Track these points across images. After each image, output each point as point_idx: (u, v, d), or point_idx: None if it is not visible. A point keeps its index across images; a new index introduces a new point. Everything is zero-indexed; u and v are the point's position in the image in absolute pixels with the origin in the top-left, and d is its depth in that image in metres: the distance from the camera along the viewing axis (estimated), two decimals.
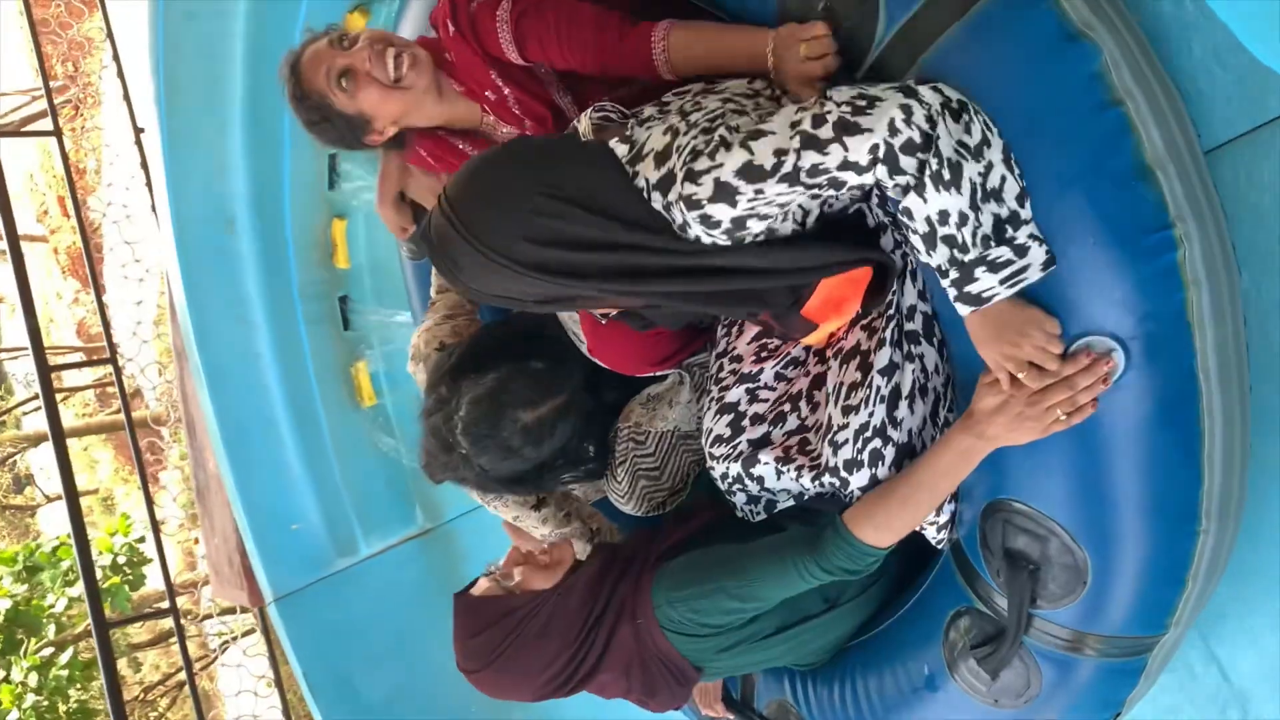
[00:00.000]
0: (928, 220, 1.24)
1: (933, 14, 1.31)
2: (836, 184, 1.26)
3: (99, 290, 4.81)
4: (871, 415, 1.46)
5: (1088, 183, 1.23)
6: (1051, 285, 1.25)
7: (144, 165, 4.88)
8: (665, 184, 1.33)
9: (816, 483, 1.56)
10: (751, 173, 1.26)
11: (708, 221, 1.31)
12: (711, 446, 1.68)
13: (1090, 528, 1.34)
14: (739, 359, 1.74)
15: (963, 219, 1.23)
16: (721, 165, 1.27)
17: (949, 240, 1.24)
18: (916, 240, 1.28)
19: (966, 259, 1.25)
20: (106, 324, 4.79)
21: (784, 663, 1.81)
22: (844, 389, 1.51)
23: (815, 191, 1.27)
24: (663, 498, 2.03)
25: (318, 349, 3.26)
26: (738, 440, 1.66)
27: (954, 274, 1.26)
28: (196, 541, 11.77)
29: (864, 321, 1.55)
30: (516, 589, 1.70)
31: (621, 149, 1.41)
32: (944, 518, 1.54)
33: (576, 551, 2.04)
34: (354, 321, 3.28)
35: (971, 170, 1.22)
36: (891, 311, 1.48)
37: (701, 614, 1.61)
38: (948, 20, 1.30)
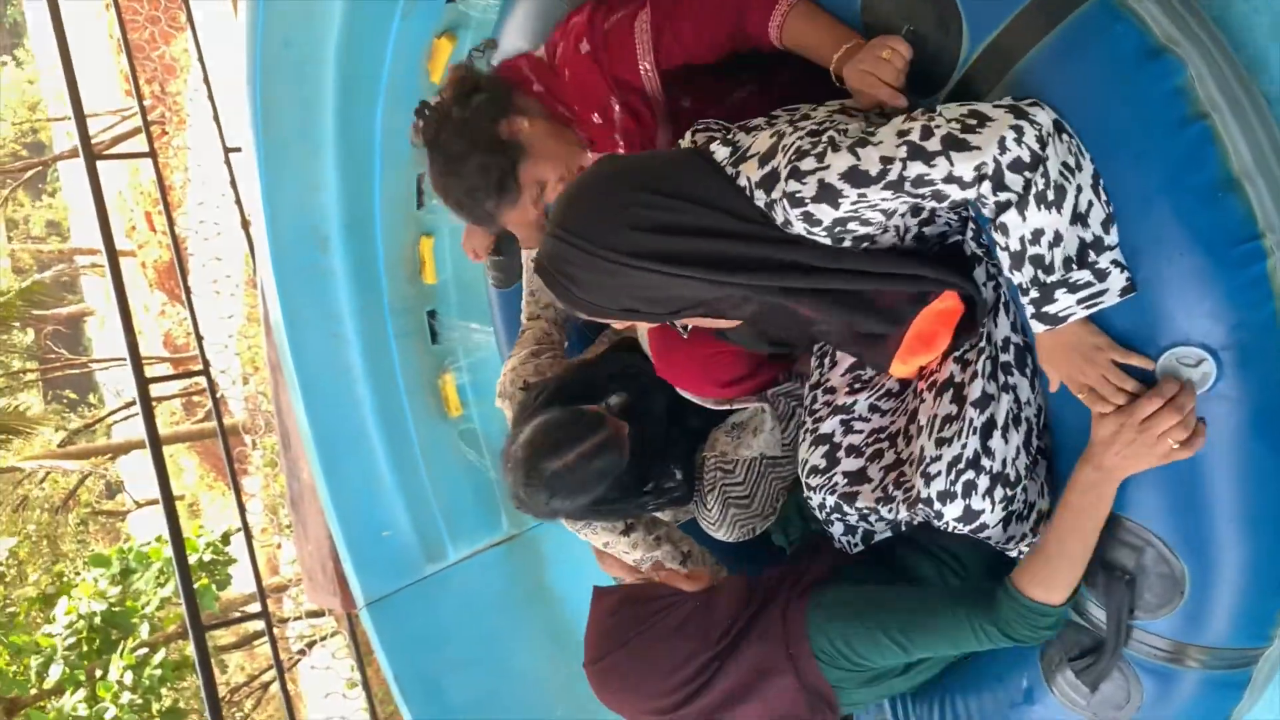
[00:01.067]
0: (1021, 239, 1.27)
1: (1016, 33, 1.34)
2: (939, 196, 1.29)
3: (191, 304, 5.00)
4: (965, 447, 1.48)
5: (1173, 196, 1.26)
6: (1143, 298, 1.28)
7: (233, 184, 5.07)
8: (769, 181, 1.38)
9: (910, 513, 1.58)
10: (857, 177, 1.29)
11: (810, 219, 1.36)
12: (808, 477, 1.71)
13: (1187, 538, 1.35)
14: (833, 390, 1.77)
15: (1056, 239, 1.25)
16: (828, 167, 1.31)
17: (1036, 260, 1.27)
18: (1003, 256, 1.31)
19: (1049, 280, 1.28)
20: (199, 336, 4.97)
21: (905, 689, 1.81)
22: (938, 421, 1.53)
23: (919, 202, 1.31)
24: (753, 523, 2.07)
25: (406, 362, 3.36)
26: (833, 472, 1.69)
27: (1034, 293, 1.29)
28: (279, 547, 12.07)
29: (956, 354, 1.57)
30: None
31: (723, 151, 1.47)
32: (1037, 539, 1.55)
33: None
34: (441, 335, 3.38)
35: (1072, 191, 1.24)
36: (984, 344, 1.50)
37: (861, 654, 1.60)
38: (1032, 39, 1.32)
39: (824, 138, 1.34)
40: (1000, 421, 1.48)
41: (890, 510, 1.63)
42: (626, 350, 2.20)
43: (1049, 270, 1.27)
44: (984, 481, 1.47)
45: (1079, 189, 1.25)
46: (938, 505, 1.50)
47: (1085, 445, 1.38)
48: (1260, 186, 1.26)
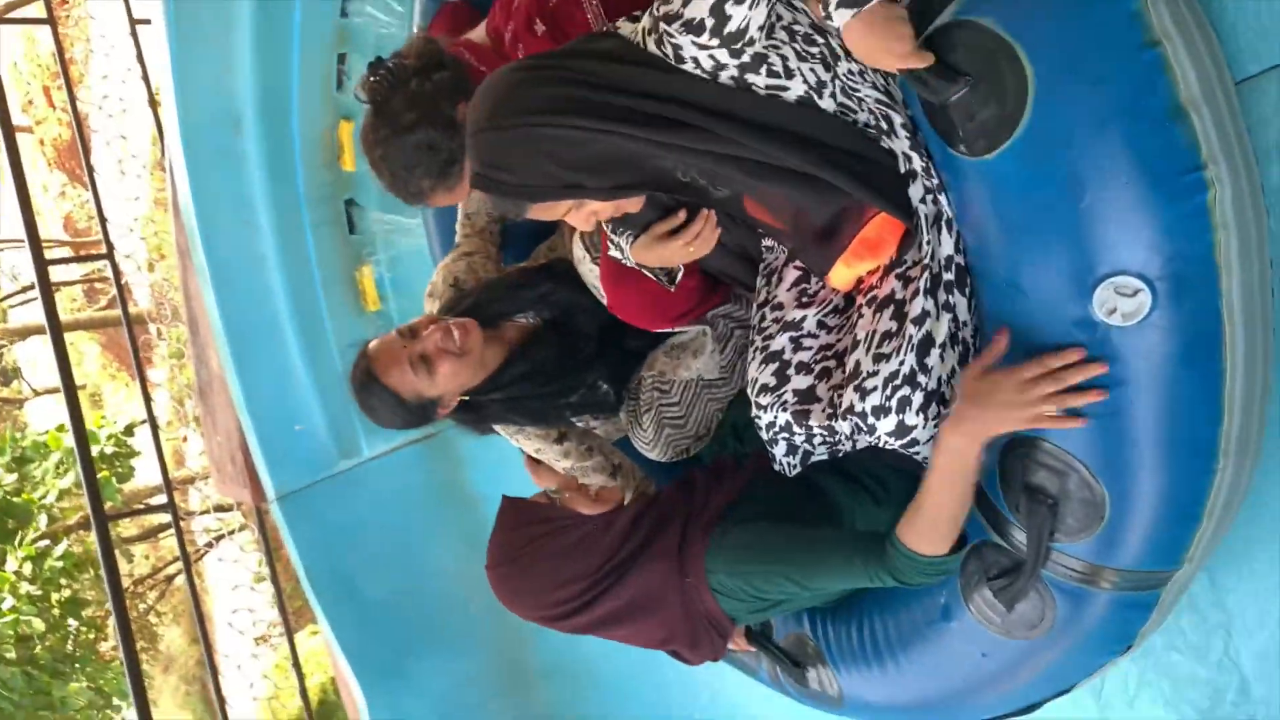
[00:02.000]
0: None
1: None
2: None
3: (95, 185, 4.75)
4: (902, 363, 1.47)
5: (1124, 121, 1.24)
6: (1083, 223, 1.27)
7: (140, 58, 4.80)
8: (649, 24, 1.40)
9: (846, 426, 1.58)
10: None
11: (691, 26, 1.33)
12: (758, 395, 1.69)
13: (1109, 464, 1.36)
14: (780, 306, 1.75)
15: None
16: None
17: None
18: None
19: None
20: (104, 219, 4.74)
21: (807, 606, 1.87)
22: (876, 336, 1.52)
23: None
24: (687, 444, 2.07)
25: (322, 252, 3.26)
26: (783, 390, 1.67)
27: None
28: (185, 440, 11.84)
29: (899, 270, 1.56)
30: (561, 503, 1.75)
31: (627, 26, 1.47)
32: None
33: (598, 483, 2.10)
34: (360, 226, 3.27)
35: None
36: (928, 261, 1.48)
37: (759, 590, 1.66)
38: None
39: None
40: (939, 339, 1.47)
41: (829, 445, 1.66)
42: (558, 274, 2.16)
43: None
44: (918, 398, 1.48)
45: None
46: (871, 420, 1.50)
47: (1012, 366, 1.38)
48: (1206, 117, 1.24)
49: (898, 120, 1.46)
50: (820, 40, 1.44)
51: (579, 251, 2.07)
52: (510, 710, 3.45)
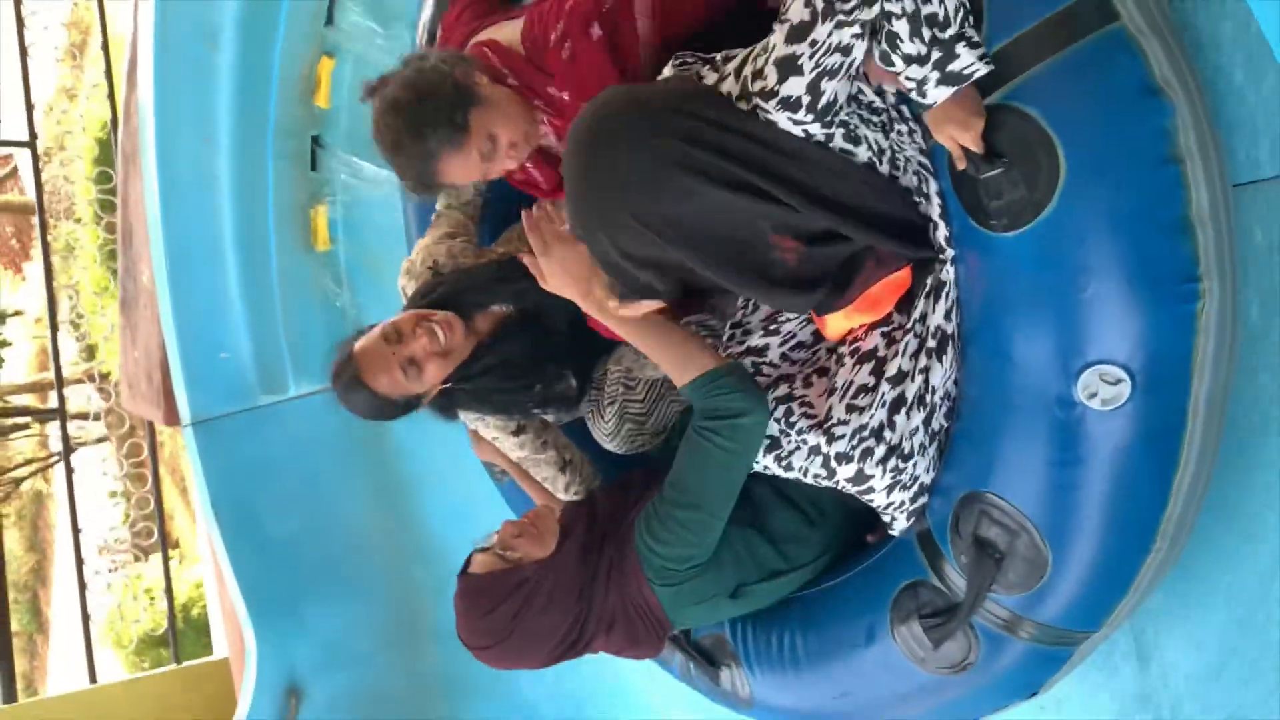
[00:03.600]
0: None
1: (1030, 43, 1.38)
2: None
3: (26, 69, 4.52)
4: (872, 418, 1.57)
5: (1137, 226, 1.35)
6: (1082, 311, 1.38)
7: None
8: (743, 91, 1.44)
9: (803, 463, 1.66)
10: (798, 31, 1.35)
11: (788, 104, 1.40)
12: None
13: (1060, 531, 1.47)
14: (749, 331, 1.82)
15: None
16: (774, 47, 1.38)
17: (931, 20, 1.33)
18: (903, 36, 1.34)
19: (948, 35, 1.34)
20: (29, 106, 4.52)
21: (737, 614, 1.92)
22: (853, 388, 1.62)
23: (856, 23, 1.34)
24: (644, 440, 2.12)
25: (280, 184, 3.20)
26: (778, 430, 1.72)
27: (936, 54, 1.35)
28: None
29: (885, 329, 1.65)
30: (521, 560, 1.75)
31: (711, 75, 1.50)
32: (914, 507, 1.67)
33: (546, 475, 2.17)
34: (322, 164, 3.23)
35: None
36: (916, 326, 1.57)
37: (669, 544, 1.70)
38: (1043, 54, 1.37)
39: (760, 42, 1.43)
40: (909, 399, 1.57)
41: (776, 457, 1.72)
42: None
43: (945, 25, 1.33)
44: (881, 450, 1.57)
45: None
46: (834, 464, 1.60)
47: (994, 441, 1.51)
48: (1209, 233, 1.36)
49: (933, 187, 1.55)
50: (881, 107, 1.53)
51: None
52: (400, 664, 3.46)
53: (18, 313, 9.74)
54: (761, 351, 1.80)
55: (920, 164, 1.55)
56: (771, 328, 1.82)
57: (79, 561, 4.31)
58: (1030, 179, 1.38)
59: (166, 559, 4.50)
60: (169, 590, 4.47)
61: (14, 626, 12.86)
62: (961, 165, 1.44)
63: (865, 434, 1.58)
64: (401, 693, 3.47)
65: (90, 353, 9.34)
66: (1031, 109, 1.37)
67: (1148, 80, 1.34)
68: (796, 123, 1.43)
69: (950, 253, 1.54)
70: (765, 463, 1.85)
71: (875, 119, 1.54)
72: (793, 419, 1.69)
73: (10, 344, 8.30)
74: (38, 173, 4.46)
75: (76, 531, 4.25)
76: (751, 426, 1.64)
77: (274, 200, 3.20)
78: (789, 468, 1.75)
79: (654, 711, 2.81)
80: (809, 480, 1.71)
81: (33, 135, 4.39)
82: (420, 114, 1.78)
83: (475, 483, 2.66)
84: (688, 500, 1.67)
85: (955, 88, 1.37)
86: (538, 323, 2.07)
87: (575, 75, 1.81)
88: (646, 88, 1.56)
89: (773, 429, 1.69)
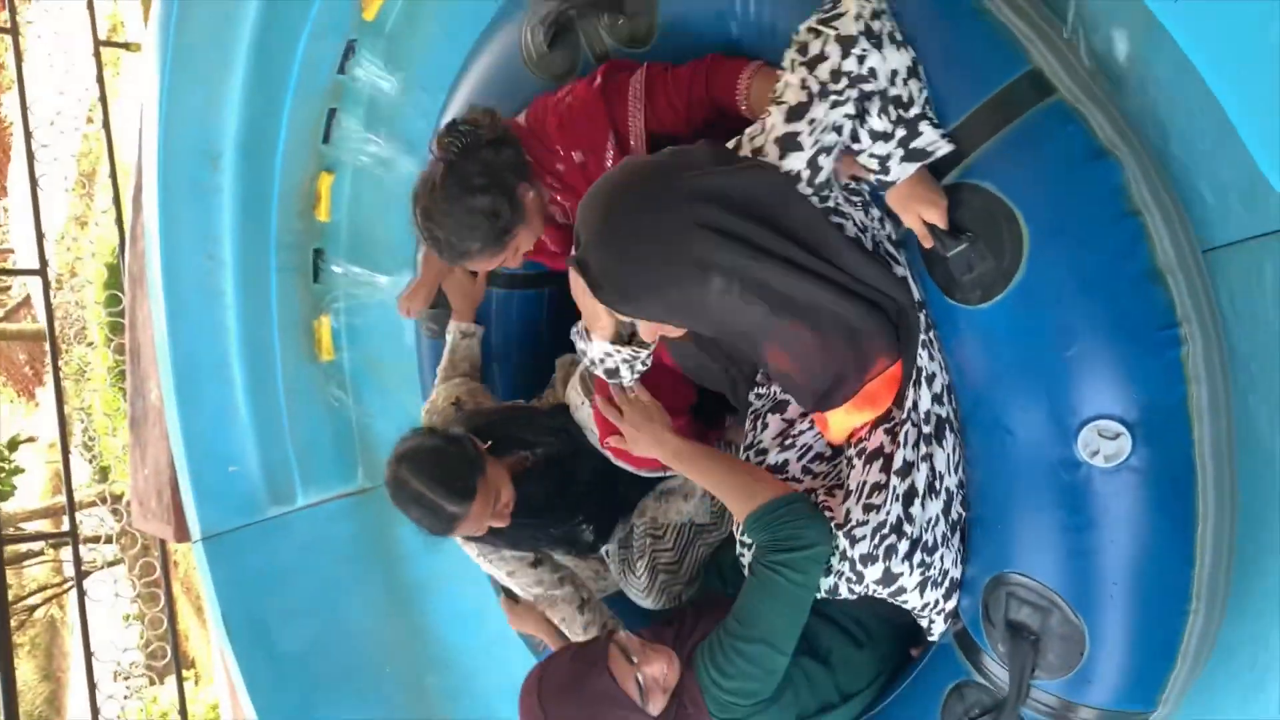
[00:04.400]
0: (889, 75, 1.40)
1: (975, 126, 1.44)
2: (856, 79, 1.40)
3: (36, 198, 4.64)
4: (889, 513, 1.57)
5: (1107, 281, 1.38)
6: (1069, 371, 1.40)
7: (100, 78, 4.76)
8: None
9: (834, 577, 1.65)
10: (796, 111, 1.42)
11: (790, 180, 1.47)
12: (744, 536, 1.72)
13: (1089, 601, 1.45)
14: (764, 451, 1.84)
15: (910, 73, 1.41)
16: (773, 127, 1.46)
17: (898, 100, 1.40)
18: (873, 113, 1.41)
19: (912, 114, 1.41)
20: (40, 235, 4.62)
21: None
22: (867, 487, 1.63)
23: (848, 102, 1.41)
24: (680, 589, 2.13)
25: (284, 297, 3.25)
26: None
27: (901, 132, 1.41)
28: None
29: (886, 425, 1.66)
30: (647, 706, 1.69)
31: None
32: (949, 605, 1.66)
33: (564, 615, 2.15)
34: (324, 276, 3.28)
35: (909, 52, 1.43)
36: (911, 414, 1.59)
37: (735, 679, 1.65)
38: (989, 132, 1.43)
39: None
40: (920, 489, 1.57)
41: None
42: (566, 411, 2.25)
43: (909, 105, 1.40)
44: (904, 546, 1.56)
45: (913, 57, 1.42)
46: (860, 567, 1.59)
47: (1008, 518, 1.51)
48: (1180, 280, 1.39)
49: (899, 273, 1.59)
50: (858, 189, 1.59)
51: (575, 398, 2.15)
52: None
53: (31, 439, 9.79)
54: (782, 468, 1.81)
55: (888, 250, 1.59)
56: (787, 443, 1.83)
57: (91, 687, 4.26)
58: (996, 249, 1.42)
59: (180, 678, 4.44)
60: (183, 711, 4.40)
61: None
62: (928, 244, 1.48)
63: (885, 530, 1.57)
64: None
65: (103, 475, 9.36)
66: (987, 183, 1.43)
67: (1093, 143, 1.39)
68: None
69: (932, 333, 1.57)
70: None
71: (856, 199, 1.59)
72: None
73: (23, 470, 8.31)
74: (48, 300, 4.54)
75: (89, 655, 4.21)
76: (819, 557, 1.62)
77: (278, 313, 3.24)
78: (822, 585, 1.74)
79: None
80: (843, 593, 1.69)
81: (43, 263, 4.48)
82: (475, 221, 1.89)
83: (485, 587, 2.65)
84: (755, 635, 1.64)
85: (918, 164, 1.42)
86: (562, 469, 2.13)
87: (571, 120, 1.88)
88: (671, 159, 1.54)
89: None
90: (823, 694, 1.78)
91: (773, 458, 1.81)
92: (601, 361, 1.81)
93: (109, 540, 7.07)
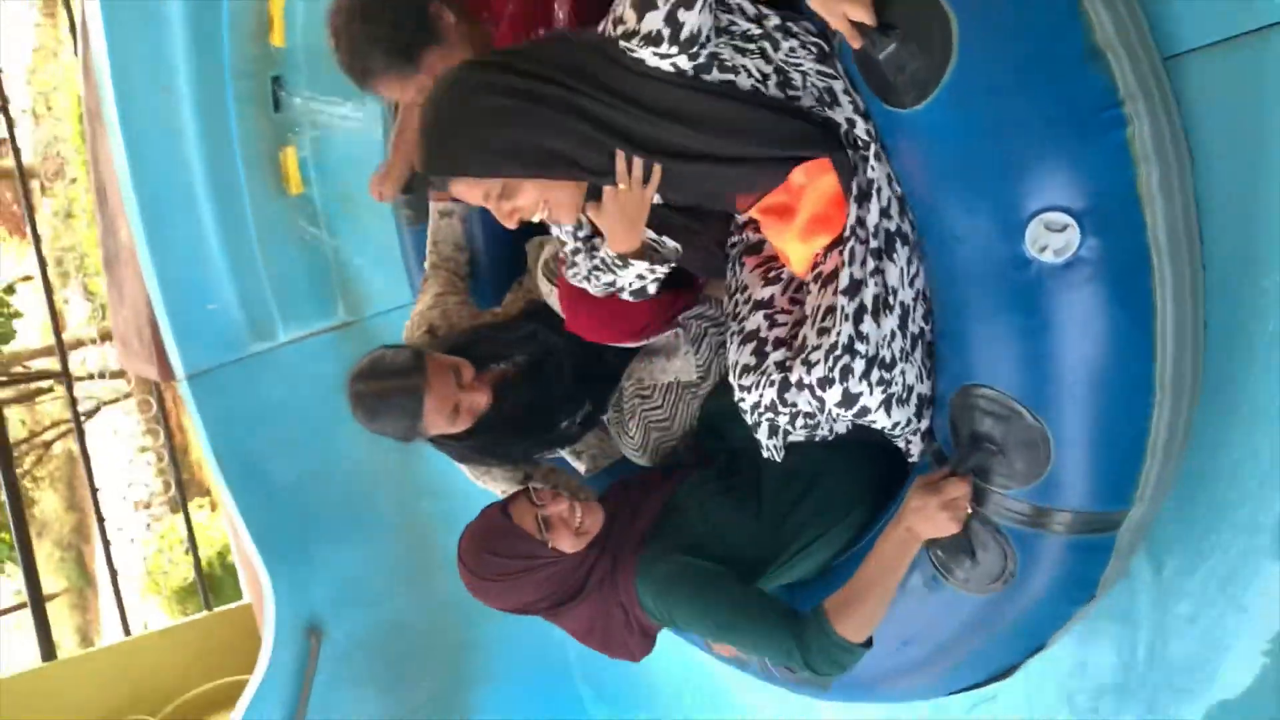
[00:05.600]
0: None
1: None
2: None
3: None
4: (839, 334, 1.52)
5: (1042, 65, 1.29)
6: (1010, 164, 1.32)
7: None
8: (610, 39, 1.47)
9: (802, 399, 1.61)
10: None
11: (650, 39, 1.42)
12: (740, 378, 1.69)
13: (1050, 403, 1.40)
14: (747, 287, 1.78)
15: None
16: None
17: None
18: None
19: None
20: None
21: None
22: (821, 311, 1.58)
23: None
24: (673, 444, 2.11)
25: (245, 128, 3.15)
26: (764, 366, 1.67)
27: None
28: (67, 302, 11.39)
29: (840, 247, 1.59)
30: (549, 541, 1.77)
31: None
32: (923, 424, 1.63)
33: None
34: (285, 104, 3.17)
35: None
36: (859, 232, 1.53)
37: (680, 624, 1.78)
38: None
39: None
40: (869, 306, 1.53)
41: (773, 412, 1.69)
42: (536, 313, 2.19)
43: None
44: (860, 365, 1.52)
45: None
46: (820, 392, 1.55)
47: (966, 329, 1.45)
48: (1122, 57, 1.29)
49: (839, 88, 1.52)
50: (756, 34, 1.51)
51: (544, 286, 2.10)
52: (416, 596, 3.52)
53: (27, 278, 9.79)
54: (769, 302, 1.74)
55: (820, 73, 1.52)
56: (770, 276, 1.77)
57: (100, 520, 4.39)
58: (926, 44, 1.33)
59: (187, 510, 4.57)
60: (192, 541, 4.55)
61: (64, 584, 13.23)
62: (857, 44, 1.40)
63: (839, 352, 1.52)
64: (420, 623, 3.54)
65: (103, 311, 9.40)
66: None
67: None
68: (663, 57, 1.45)
69: (873, 146, 1.50)
70: (797, 433, 1.79)
71: (751, 46, 1.52)
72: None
73: (22, 314, 8.34)
74: (13, 137, 4.43)
75: (94, 491, 4.31)
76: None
77: (240, 145, 3.15)
78: (817, 425, 1.75)
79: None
80: (802, 428, 1.69)
81: (4, 100, 4.34)
82: (379, 33, 1.78)
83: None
84: (728, 639, 1.76)
85: None
86: (543, 374, 2.09)
87: None
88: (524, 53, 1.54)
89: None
90: (788, 541, 1.83)
91: (758, 293, 1.77)
92: (632, 285, 1.79)
93: (102, 376, 7.14)
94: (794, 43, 1.51)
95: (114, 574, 4.33)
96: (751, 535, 1.82)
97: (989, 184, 1.35)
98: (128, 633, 4.45)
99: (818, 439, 1.82)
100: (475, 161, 1.50)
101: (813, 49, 1.52)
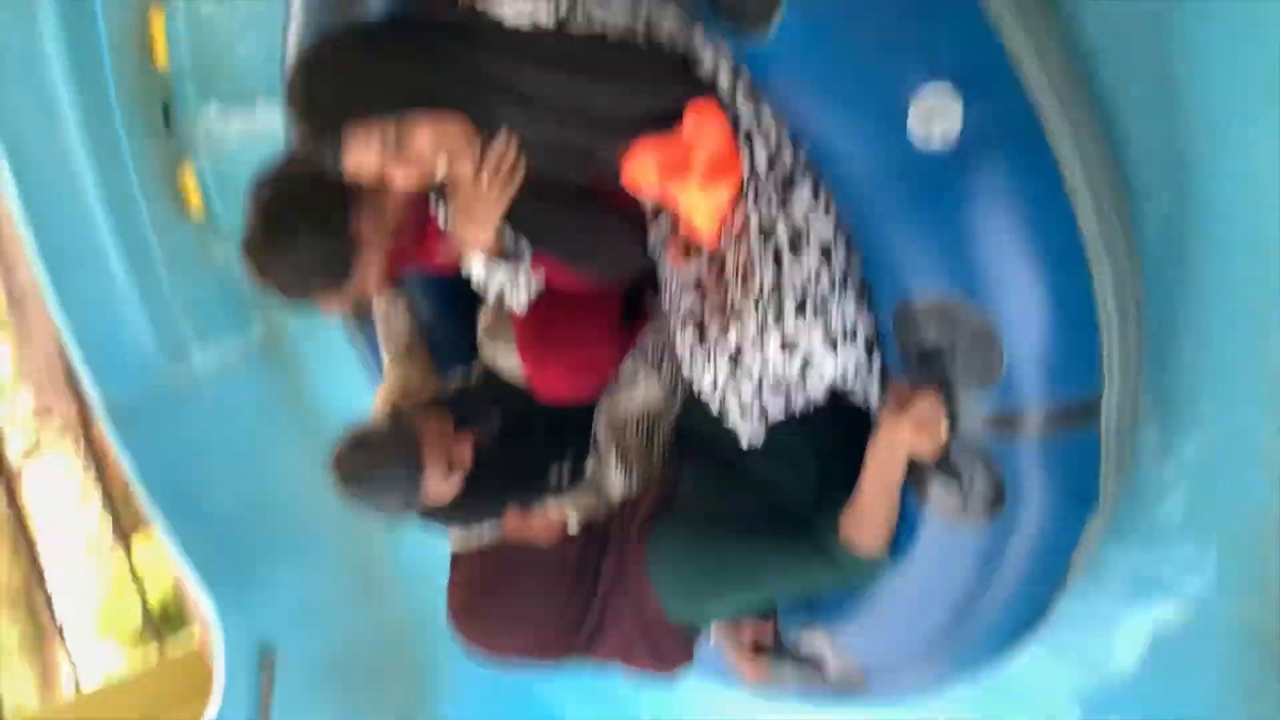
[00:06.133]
0: None
1: None
2: None
3: None
4: (762, 281, 1.50)
5: None
6: (874, 53, 1.30)
7: None
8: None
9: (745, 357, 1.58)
10: None
11: None
12: (691, 363, 1.65)
13: (983, 289, 1.34)
14: (672, 274, 1.73)
15: None
16: None
17: None
18: None
19: None
20: None
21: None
22: (741, 267, 1.55)
23: None
24: (658, 475, 2.03)
25: (138, 150, 3.06)
26: (707, 341, 1.64)
27: None
28: None
29: (741, 201, 1.55)
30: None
31: None
32: (876, 365, 1.59)
33: None
34: (177, 121, 3.08)
35: None
36: (751, 176, 1.50)
37: (708, 595, 1.68)
38: None
39: None
40: (783, 245, 1.50)
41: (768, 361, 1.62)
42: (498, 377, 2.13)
43: None
44: (790, 305, 1.50)
45: None
46: (761, 344, 1.52)
47: (885, 244, 1.41)
48: None
49: (700, 37, 1.50)
50: None
51: (488, 350, 2.07)
52: (366, 612, 3.48)
53: None
54: (695, 277, 1.69)
55: (679, 26, 1.50)
56: (689, 253, 1.72)
57: (39, 571, 4.27)
58: None
59: (128, 546, 4.46)
60: (135, 578, 4.44)
61: (16, 635, 12.89)
62: None
63: (765, 298, 1.50)
64: (377, 641, 3.50)
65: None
66: None
67: None
68: (520, 12, 1.44)
69: (740, 88, 1.47)
70: (773, 406, 1.71)
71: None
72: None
73: None
74: None
75: (30, 544, 4.21)
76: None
77: (135, 169, 3.07)
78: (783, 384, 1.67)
79: None
80: (772, 398, 1.64)
81: None
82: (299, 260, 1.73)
83: None
84: (768, 598, 1.71)
85: None
86: (515, 436, 2.02)
87: None
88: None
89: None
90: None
91: (685, 274, 1.69)
92: (495, 287, 1.74)
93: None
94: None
95: (59, 628, 4.22)
96: (759, 509, 1.76)
97: (858, 81, 1.32)
98: (79, 689, 4.33)
99: (796, 414, 1.72)
100: (367, 99, 1.44)
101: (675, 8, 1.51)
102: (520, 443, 2.04)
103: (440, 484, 1.85)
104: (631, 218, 1.77)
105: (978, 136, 1.27)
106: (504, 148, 1.54)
